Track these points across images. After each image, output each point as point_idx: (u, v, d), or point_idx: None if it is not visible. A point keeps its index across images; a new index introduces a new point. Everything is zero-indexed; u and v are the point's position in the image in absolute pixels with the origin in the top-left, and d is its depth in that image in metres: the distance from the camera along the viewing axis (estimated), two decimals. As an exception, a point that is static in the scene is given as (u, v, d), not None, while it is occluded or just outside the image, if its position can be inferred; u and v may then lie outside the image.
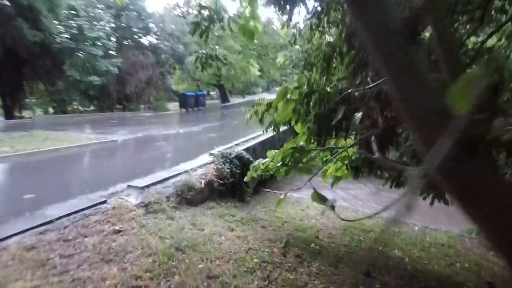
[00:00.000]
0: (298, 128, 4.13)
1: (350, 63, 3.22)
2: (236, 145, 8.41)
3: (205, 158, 6.94)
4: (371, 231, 6.18)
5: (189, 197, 5.18)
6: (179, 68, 27.01)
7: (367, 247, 5.33)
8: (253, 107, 4.49)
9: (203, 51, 4.45)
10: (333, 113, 3.44)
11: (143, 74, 21.38)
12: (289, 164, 4.59)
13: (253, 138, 9.69)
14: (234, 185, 6.53)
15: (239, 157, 6.81)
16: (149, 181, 4.93)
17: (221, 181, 6.09)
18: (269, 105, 4.37)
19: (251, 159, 7.06)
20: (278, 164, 4.64)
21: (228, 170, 6.35)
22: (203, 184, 5.55)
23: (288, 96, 3.46)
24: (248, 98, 41.14)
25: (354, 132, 2.97)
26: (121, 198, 4.30)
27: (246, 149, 7.90)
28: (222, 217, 5.19)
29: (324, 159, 4.67)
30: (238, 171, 6.60)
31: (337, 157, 4.44)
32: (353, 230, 6.12)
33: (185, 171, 5.68)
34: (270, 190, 9.10)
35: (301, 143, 4.38)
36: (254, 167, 5.03)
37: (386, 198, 9.85)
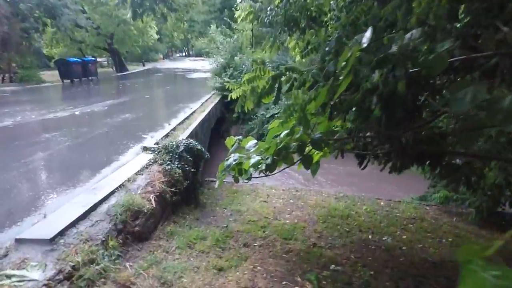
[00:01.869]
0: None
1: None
2: (172, 130, 6.34)
3: (138, 157, 4.77)
4: (348, 216, 5.63)
5: (138, 228, 3.24)
6: (51, 24, 20.30)
7: (361, 241, 4.69)
8: (247, 82, 2.88)
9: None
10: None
11: (-7, 30, 14.93)
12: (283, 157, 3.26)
13: (187, 118, 7.69)
14: (188, 188, 4.76)
15: (189, 148, 4.95)
16: (60, 222, 2.71)
17: (174, 189, 4.23)
18: (276, 78, 2.85)
19: (203, 149, 5.33)
20: (268, 161, 3.24)
21: (180, 171, 4.48)
22: (153, 201, 3.61)
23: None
24: (149, 65, 35.87)
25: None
26: (7, 277, 2.10)
27: (189, 135, 6.01)
28: (193, 247, 3.51)
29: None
30: (192, 169, 4.80)
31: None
32: (332, 219, 5.46)
33: (120, 186, 3.56)
34: (214, 179, 7.59)
35: (317, 134, 3.09)
36: (229, 166, 3.42)
37: (331, 170, 9.79)
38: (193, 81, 20.00)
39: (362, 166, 3.93)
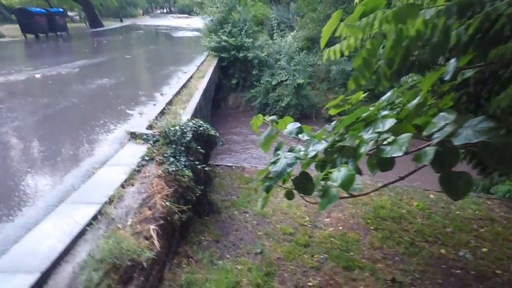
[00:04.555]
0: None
1: None
2: (168, 104, 4.63)
3: (123, 150, 3.14)
4: (401, 218, 4.42)
5: (132, 300, 1.77)
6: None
7: (437, 260, 3.48)
8: (395, 20, 1.22)
9: None
10: None
11: None
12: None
13: (185, 87, 5.92)
14: (200, 194, 3.25)
15: (198, 134, 3.37)
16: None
17: (183, 202, 2.72)
18: (465, 11, 1.18)
19: (217, 134, 3.75)
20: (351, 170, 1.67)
21: (189, 172, 2.93)
22: (154, 237, 2.11)
23: None
24: (127, 22, 31.96)
25: None
26: None
27: (194, 113, 4.36)
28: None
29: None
30: (205, 168, 3.27)
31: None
32: (383, 224, 4.26)
33: (96, 215, 2.01)
34: (220, 163, 6.13)
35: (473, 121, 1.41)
36: (281, 175, 1.87)
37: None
38: (181, 40, 17.53)
39: (486, 173, 2.55)
